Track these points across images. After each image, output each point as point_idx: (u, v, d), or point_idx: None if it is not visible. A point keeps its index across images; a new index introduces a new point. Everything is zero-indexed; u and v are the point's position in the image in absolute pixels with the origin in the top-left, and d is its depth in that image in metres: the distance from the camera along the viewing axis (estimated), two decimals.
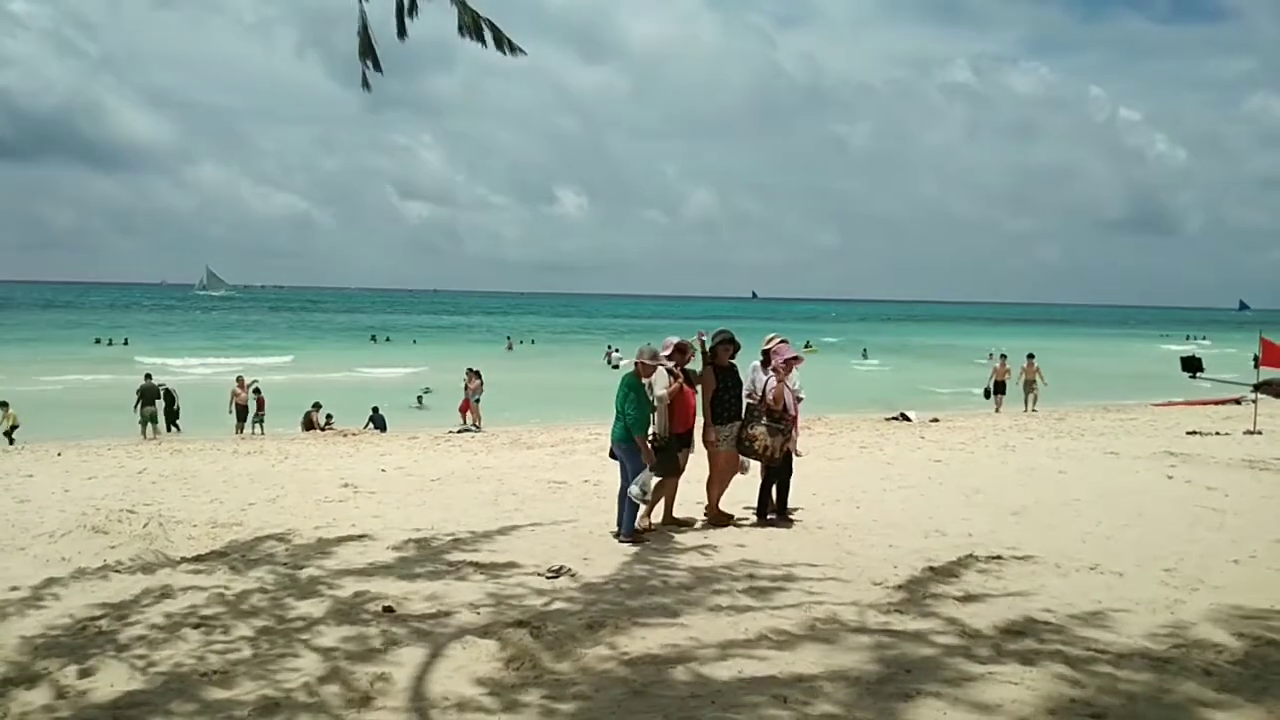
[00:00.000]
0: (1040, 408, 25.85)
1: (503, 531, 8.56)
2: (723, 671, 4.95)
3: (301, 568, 7.28)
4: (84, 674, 5.03)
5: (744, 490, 9.23)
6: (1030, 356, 27.26)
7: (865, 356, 56.35)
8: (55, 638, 5.64)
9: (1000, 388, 26.82)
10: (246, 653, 5.33)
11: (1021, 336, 72.29)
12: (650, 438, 8.29)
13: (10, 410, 21.29)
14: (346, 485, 11.65)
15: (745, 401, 8.80)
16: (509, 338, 65.58)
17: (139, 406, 22.84)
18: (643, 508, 8.32)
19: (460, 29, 7.00)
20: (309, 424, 23.45)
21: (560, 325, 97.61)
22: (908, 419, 22.13)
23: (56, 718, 4.51)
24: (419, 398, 30.97)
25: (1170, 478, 11.39)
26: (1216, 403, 24.96)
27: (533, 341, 66.77)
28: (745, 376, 8.93)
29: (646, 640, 5.43)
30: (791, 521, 8.83)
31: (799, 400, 8.97)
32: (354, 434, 21.19)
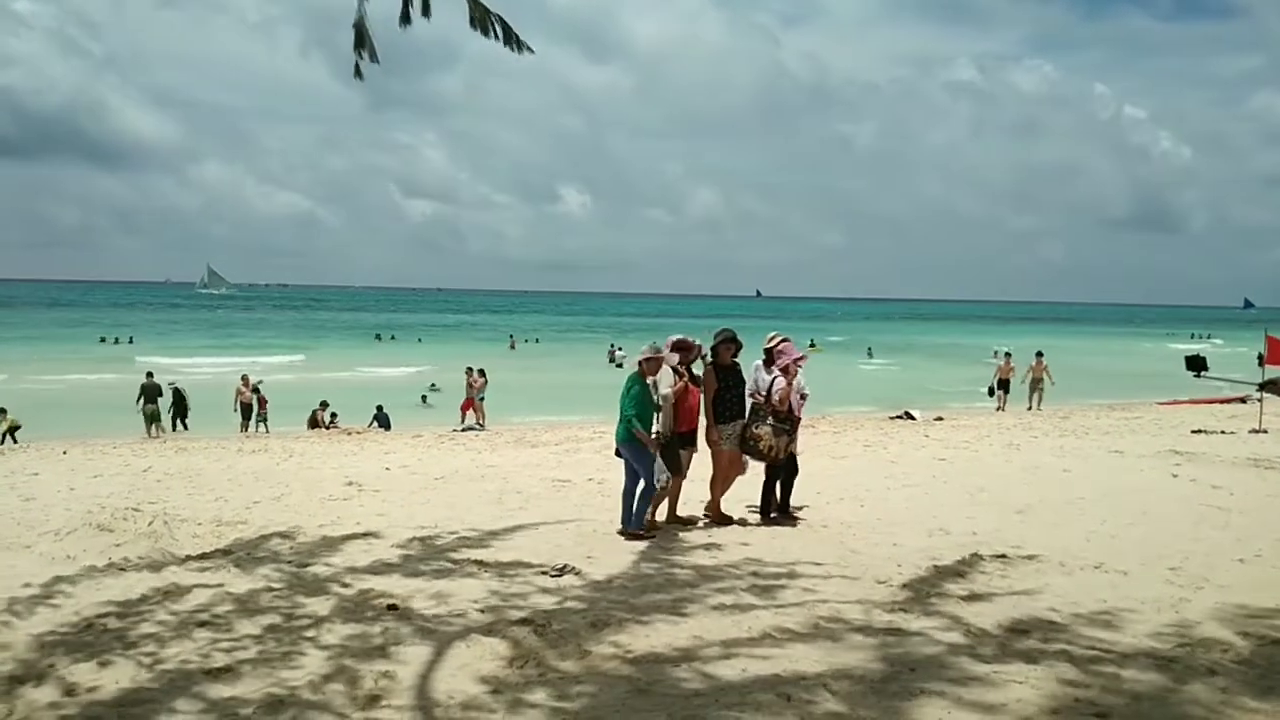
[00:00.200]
0: (1045, 406, 25.83)
1: (507, 530, 8.57)
2: (727, 670, 4.95)
3: (306, 566, 7.29)
4: (90, 671, 5.04)
5: (747, 489, 9.23)
6: (1039, 354, 27.25)
7: (871, 356, 56.26)
8: (62, 635, 5.66)
9: (1004, 386, 26.81)
10: (251, 650, 5.34)
11: (1027, 335, 72.23)
12: (654, 435, 8.31)
13: (9, 416, 21.22)
14: (351, 483, 11.67)
15: (749, 400, 8.80)
16: (511, 336, 65.64)
17: (141, 404, 22.91)
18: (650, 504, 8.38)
19: (471, 23, 7.04)
20: (314, 422, 23.49)
21: (564, 324, 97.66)
22: (912, 418, 22.12)
23: (62, 715, 4.52)
24: (423, 396, 31.03)
25: (1175, 476, 11.37)
26: (1222, 401, 24.91)
27: (537, 340, 66.82)
28: (748, 375, 8.93)
29: (651, 638, 5.44)
30: (796, 520, 8.83)
31: (803, 398, 8.97)
32: (358, 432, 21.22)
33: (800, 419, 8.97)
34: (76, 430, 21.51)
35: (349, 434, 20.59)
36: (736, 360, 8.83)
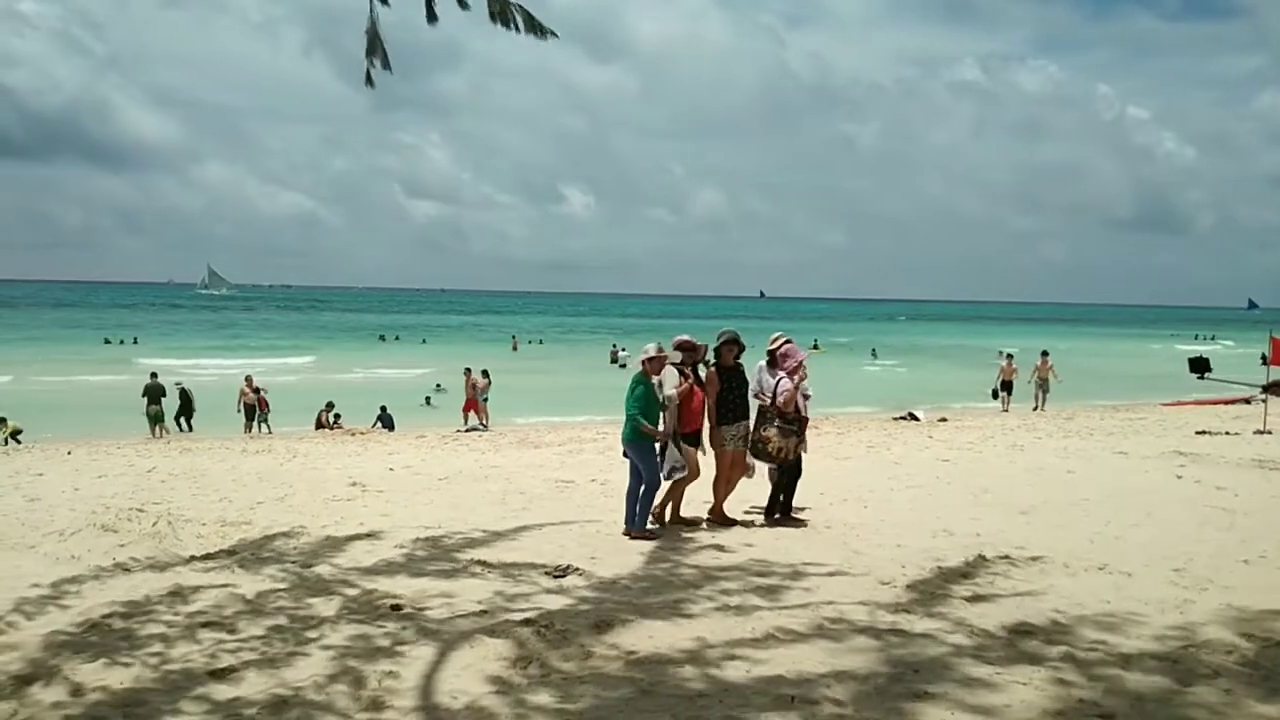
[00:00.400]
0: (1049, 407, 25.82)
1: (511, 530, 8.58)
2: (730, 671, 4.95)
3: (310, 566, 7.30)
4: (96, 671, 5.05)
5: (751, 490, 9.23)
6: (1044, 354, 27.28)
7: (875, 357, 56.15)
8: (68, 635, 5.67)
9: (1007, 387, 26.79)
10: (256, 651, 5.35)
11: (1031, 336, 72.13)
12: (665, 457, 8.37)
13: (10, 423, 21.16)
14: (355, 484, 11.68)
15: (755, 402, 8.80)
16: (514, 337, 65.68)
17: (146, 404, 22.95)
18: (656, 501, 8.47)
19: (491, 16, 6.98)
20: (321, 423, 23.53)
21: (567, 325, 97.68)
22: (915, 419, 22.11)
23: (67, 715, 4.53)
24: (427, 398, 31.07)
25: (1179, 477, 11.35)
26: (1226, 402, 24.87)
27: (540, 341, 66.82)
28: (751, 376, 8.93)
29: (654, 639, 5.44)
30: (799, 521, 8.82)
31: (807, 399, 8.97)
32: (362, 433, 21.24)
33: (808, 419, 8.97)
34: (81, 431, 21.55)
35: (353, 435, 20.62)
36: (740, 361, 8.83)
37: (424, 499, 10.63)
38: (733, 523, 8.78)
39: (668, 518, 8.72)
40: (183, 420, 24.32)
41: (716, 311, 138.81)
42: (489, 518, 9.28)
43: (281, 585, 6.74)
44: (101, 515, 9.36)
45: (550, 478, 12.06)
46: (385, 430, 22.71)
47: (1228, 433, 16.73)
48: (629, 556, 7.56)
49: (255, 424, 23.80)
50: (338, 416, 23.81)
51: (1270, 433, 16.39)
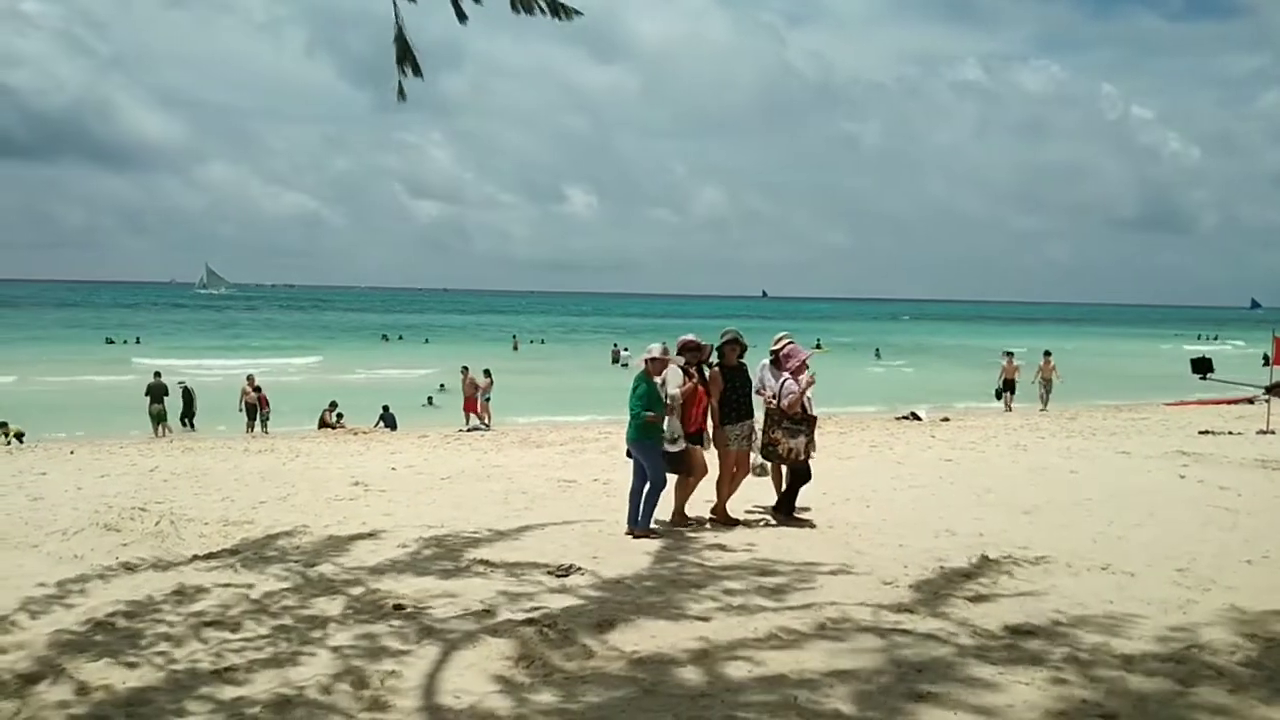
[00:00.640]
0: (1052, 407, 25.80)
1: (513, 530, 8.58)
2: (733, 671, 4.95)
3: (313, 565, 7.31)
4: (100, 671, 5.06)
5: (753, 490, 9.22)
6: (1047, 354, 27.26)
7: (878, 357, 56.07)
8: (72, 635, 5.68)
9: (1010, 386, 26.77)
10: (259, 650, 5.35)
11: (1034, 336, 72.06)
12: (663, 434, 8.33)
13: (12, 426, 21.12)
14: (357, 483, 11.69)
15: (759, 399, 8.81)
16: (515, 336, 65.70)
17: (149, 404, 22.99)
18: (670, 502, 8.49)
19: (513, 6, 6.91)
20: (324, 422, 23.56)
21: (570, 324, 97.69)
22: (918, 418, 22.10)
23: (72, 714, 4.54)
24: (429, 398, 31.08)
25: (1183, 477, 11.34)
26: (1229, 402, 24.83)
27: (542, 341, 66.83)
28: (754, 375, 8.93)
29: (657, 639, 5.44)
30: (801, 521, 8.82)
31: (809, 398, 8.97)
32: (364, 432, 21.27)
33: (815, 418, 8.97)
34: (83, 430, 21.57)
35: (355, 434, 20.64)
36: (743, 361, 8.84)
37: (426, 498, 10.64)
38: (735, 522, 8.78)
39: (670, 519, 8.71)
40: (185, 419, 24.36)
41: (719, 311, 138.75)
42: (491, 517, 9.29)
43: (284, 585, 6.74)
44: (104, 514, 9.38)
45: (553, 477, 12.07)
46: (388, 430, 22.73)
47: (1231, 433, 16.72)
48: (632, 556, 7.56)
49: (255, 423, 23.84)
50: (340, 416, 23.85)
51: (1274, 433, 16.37)
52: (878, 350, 59.45)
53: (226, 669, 5.05)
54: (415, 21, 7.08)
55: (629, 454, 8.53)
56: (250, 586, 6.68)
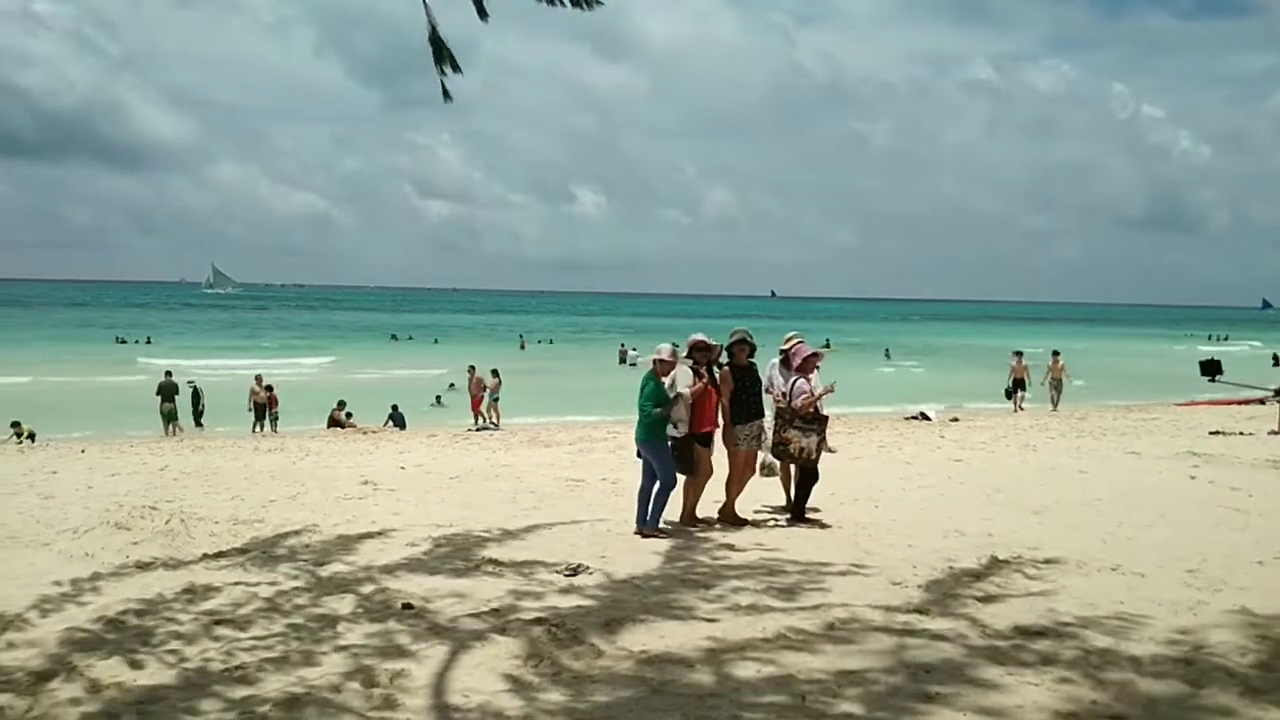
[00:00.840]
0: (1061, 407, 25.73)
1: (522, 529, 8.60)
2: (741, 671, 4.95)
3: (322, 564, 7.33)
4: (112, 668, 5.09)
5: (762, 490, 9.21)
6: (1055, 354, 27.20)
7: (888, 357, 55.90)
8: (84, 632, 5.72)
9: (1020, 385, 26.71)
10: (269, 649, 5.38)
11: (1043, 336, 71.82)
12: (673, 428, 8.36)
13: (25, 426, 21.18)
14: (366, 482, 11.72)
15: (769, 398, 8.81)
16: (521, 336, 65.74)
17: (159, 402, 23.08)
18: (679, 503, 8.49)
19: None
20: (333, 421, 23.63)
21: (579, 324, 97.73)
22: (927, 418, 22.04)
23: (83, 712, 4.57)
24: (438, 397, 31.14)
25: (1193, 478, 11.29)
26: (1240, 403, 24.70)
27: (550, 341, 66.85)
28: (764, 374, 8.93)
29: (665, 639, 5.45)
30: (810, 521, 8.82)
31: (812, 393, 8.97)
32: (373, 431, 21.31)
33: (828, 417, 8.96)
34: (94, 429, 21.66)
35: (364, 433, 20.69)
36: (752, 360, 8.84)
37: (435, 497, 10.66)
38: (744, 522, 8.78)
39: (679, 518, 8.71)
40: (194, 419, 24.44)
41: (728, 311, 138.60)
42: (500, 516, 9.31)
43: (294, 584, 6.77)
44: (115, 513, 9.42)
45: (561, 476, 12.08)
46: (397, 429, 22.79)
47: (1242, 433, 16.62)
48: (640, 556, 7.57)
49: (263, 422, 23.91)
50: (349, 415, 23.91)
51: None
52: (887, 350, 59.26)
53: (237, 667, 5.08)
54: (420, 19, 7.08)
55: (639, 454, 8.54)
56: (260, 585, 6.71)
